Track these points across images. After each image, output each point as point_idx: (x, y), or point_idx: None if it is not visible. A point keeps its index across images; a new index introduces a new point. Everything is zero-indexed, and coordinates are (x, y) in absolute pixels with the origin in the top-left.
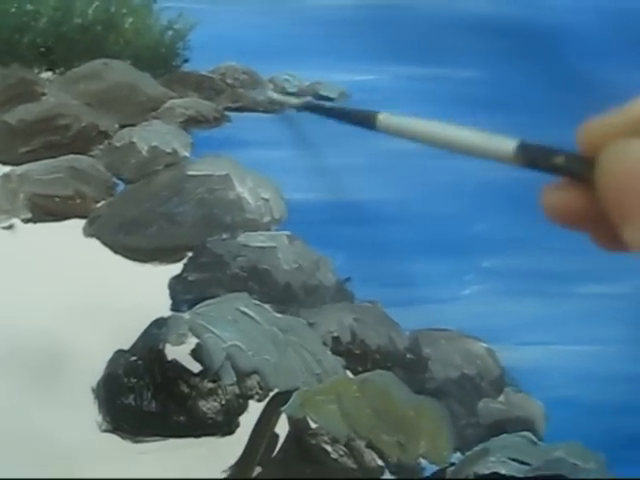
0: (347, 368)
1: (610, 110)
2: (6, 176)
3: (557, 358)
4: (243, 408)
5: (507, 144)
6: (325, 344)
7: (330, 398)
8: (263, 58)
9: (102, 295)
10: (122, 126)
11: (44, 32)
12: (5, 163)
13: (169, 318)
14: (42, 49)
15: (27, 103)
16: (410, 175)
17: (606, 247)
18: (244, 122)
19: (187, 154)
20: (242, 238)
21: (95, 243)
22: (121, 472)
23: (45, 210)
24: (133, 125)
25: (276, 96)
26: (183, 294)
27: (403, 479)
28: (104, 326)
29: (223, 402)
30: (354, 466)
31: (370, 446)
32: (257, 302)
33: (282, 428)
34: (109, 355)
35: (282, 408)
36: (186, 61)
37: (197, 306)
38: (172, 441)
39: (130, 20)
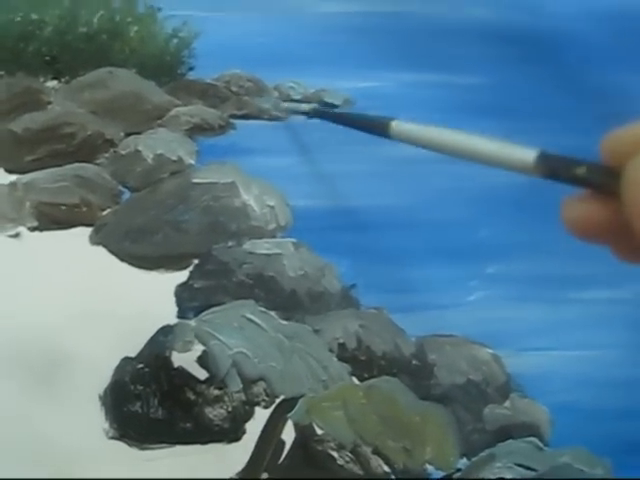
0: (353, 374)
1: (634, 119)
2: (12, 185)
3: (560, 363)
4: (249, 415)
5: (527, 154)
6: (331, 351)
7: (336, 404)
8: (268, 65)
9: (108, 303)
10: (127, 134)
11: (49, 41)
12: (11, 172)
13: (175, 325)
14: (47, 58)
15: (33, 112)
16: (414, 182)
17: (629, 260)
18: (249, 130)
19: (192, 162)
20: (248, 245)
21: (101, 251)
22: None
23: (51, 218)
24: (138, 133)
25: (287, 105)
26: (189, 301)
27: None
28: (110, 333)
29: (229, 409)
30: (360, 472)
31: (376, 452)
32: (263, 309)
33: (288, 434)
34: (115, 362)
35: (288, 415)
36: (191, 69)
37: (203, 313)
38: (179, 448)
39: (135, 29)
